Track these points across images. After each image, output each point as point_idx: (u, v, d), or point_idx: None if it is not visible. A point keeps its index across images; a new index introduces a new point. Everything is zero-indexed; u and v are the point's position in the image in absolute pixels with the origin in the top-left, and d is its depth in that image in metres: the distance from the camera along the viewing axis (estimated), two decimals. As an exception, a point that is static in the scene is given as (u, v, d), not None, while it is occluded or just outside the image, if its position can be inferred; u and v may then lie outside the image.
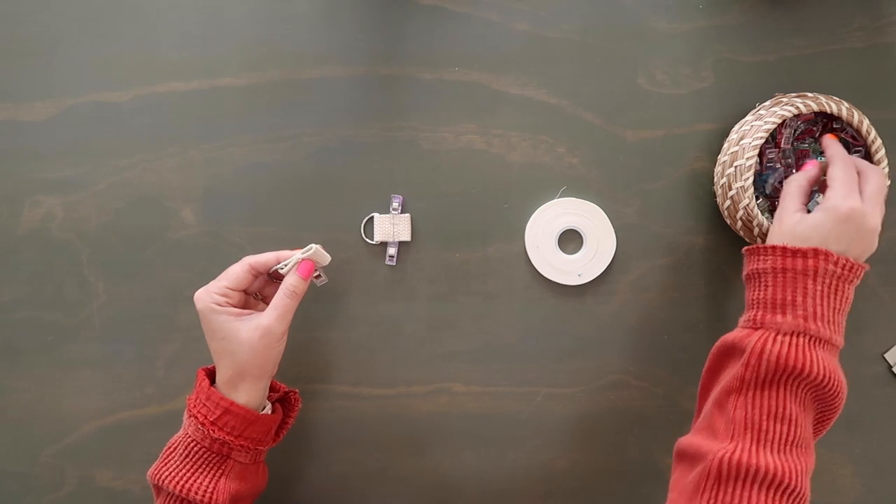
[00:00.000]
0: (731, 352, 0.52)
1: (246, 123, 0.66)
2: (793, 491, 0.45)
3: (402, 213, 0.65)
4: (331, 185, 0.66)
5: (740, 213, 0.59)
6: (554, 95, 0.66)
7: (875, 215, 0.51)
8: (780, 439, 0.47)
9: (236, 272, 0.56)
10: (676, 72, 0.66)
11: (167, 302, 0.66)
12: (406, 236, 0.65)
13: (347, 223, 0.66)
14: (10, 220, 0.67)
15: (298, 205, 0.66)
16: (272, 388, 0.60)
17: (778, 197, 0.63)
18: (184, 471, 0.54)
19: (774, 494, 0.45)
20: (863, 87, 0.65)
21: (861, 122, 0.58)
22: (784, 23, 0.65)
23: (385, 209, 0.66)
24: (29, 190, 0.67)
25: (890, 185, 0.59)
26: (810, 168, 0.56)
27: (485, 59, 0.66)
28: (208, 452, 0.54)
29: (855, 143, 0.61)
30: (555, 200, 0.66)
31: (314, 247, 0.57)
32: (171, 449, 0.56)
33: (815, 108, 0.58)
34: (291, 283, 0.56)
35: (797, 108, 0.58)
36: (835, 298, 0.50)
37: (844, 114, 0.58)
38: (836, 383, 0.48)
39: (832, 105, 0.58)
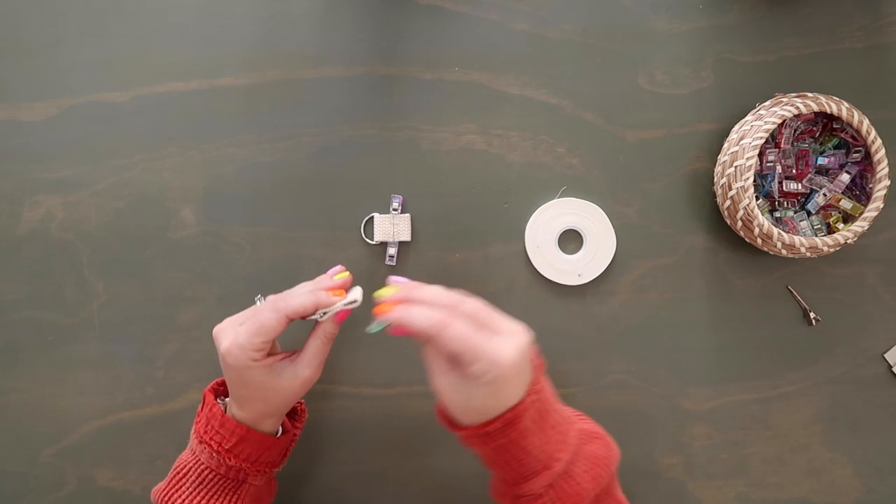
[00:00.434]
0: None
1: (246, 123, 0.66)
2: None
3: (402, 213, 0.65)
4: (331, 185, 0.66)
5: (740, 213, 0.59)
6: (554, 95, 0.66)
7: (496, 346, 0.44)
8: None
9: (272, 326, 0.49)
10: (676, 72, 0.66)
11: (167, 302, 0.66)
12: (406, 236, 0.65)
13: (347, 223, 0.66)
14: (10, 220, 0.67)
15: (298, 205, 0.66)
16: None
17: (778, 197, 0.63)
18: (198, 498, 0.52)
19: None
20: (863, 87, 0.65)
21: (861, 122, 0.58)
22: (784, 23, 0.65)
23: (385, 209, 0.66)
24: (29, 190, 0.67)
25: (890, 185, 0.59)
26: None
27: (485, 59, 0.66)
28: (224, 479, 0.53)
29: (855, 143, 0.62)
30: (555, 200, 0.66)
31: (358, 298, 0.52)
32: (181, 473, 0.54)
33: (815, 108, 0.58)
34: (330, 331, 0.53)
35: (797, 108, 0.58)
36: (542, 424, 0.46)
37: (844, 114, 0.58)
38: (613, 455, 0.50)
39: (832, 105, 0.58)
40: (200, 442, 0.53)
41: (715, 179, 0.63)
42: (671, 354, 0.66)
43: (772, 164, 0.62)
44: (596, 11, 0.66)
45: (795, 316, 0.66)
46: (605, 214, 0.65)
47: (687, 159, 0.66)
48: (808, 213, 0.63)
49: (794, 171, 0.63)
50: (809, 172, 0.63)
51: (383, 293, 0.48)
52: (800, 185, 0.63)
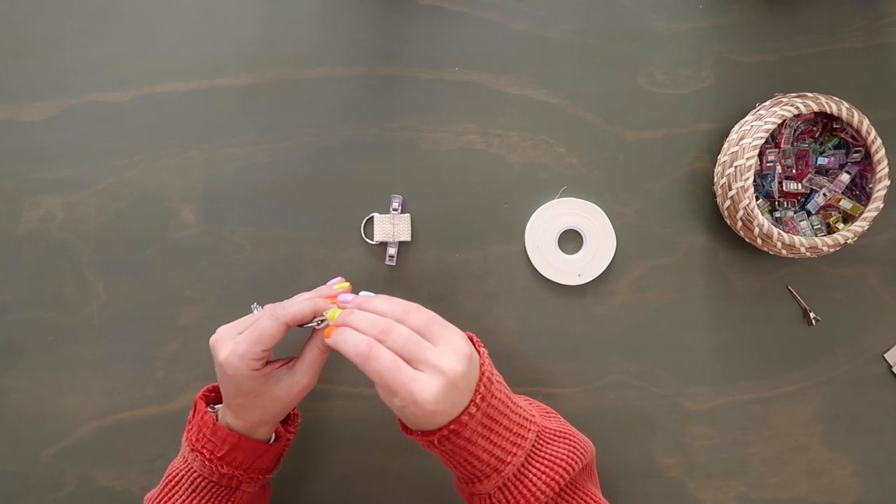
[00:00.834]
0: None
1: (246, 123, 0.66)
2: None
3: (402, 213, 0.65)
4: (331, 185, 0.66)
5: (740, 213, 0.59)
6: (554, 95, 0.66)
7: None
8: None
9: (272, 334, 0.49)
10: (676, 72, 0.66)
11: (167, 302, 0.66)
12: (406, 236, 0.65)
13: (347, 223, 0.66)
14: (10, 220, 0.67)
15: (298, 205, 0.66)
16: None
17: (778, 197, 0.63)
18: None
19: None
20: (863, 87, 0.65)
21: (861, 122, 0.58)
22: (784, 23, 0.65)
23: (385, 209, 0.66)
24: (29, 190, 0.67)
25: (890, 185, 0.59)
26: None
27: (485, 59, 0.66)
28: (217, 487, 0.52)
29: (855, 143, 0.62)
30: (555, 200, 0.66)
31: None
32: (174, 481, 0.53)
33: (815, 108, 0.58)
34: (324, 341, 0.51)
35: (797, 108, 0.58)
36: (491, 428, 0.47)
37: (844, 114, 0.58)
38: (578, 454, 0.50)
39: (832, 105, 0.58)
40: (192, 450, 0.52)
41: (715, 179, 0.63)
42: (671, 354, 0.66)
43: (772, 164, 0.62)
44: (596, 11, 0.66)
45: (795, 316, 0.66)
46: (605, 214, 0.65)
47: (687, 159, 0.66)
48: (808, 213, 0.63)
49: (794, 171, 0.63)
50: (809, 172, 0.63)
51: (331, 315, 0.50)
52: (800, 185, 0.63)
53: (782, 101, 0.60)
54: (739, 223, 0.60)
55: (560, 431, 0.52)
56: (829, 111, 0.58)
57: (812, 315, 0.65)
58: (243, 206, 0.66)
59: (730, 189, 0.60)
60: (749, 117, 0.61)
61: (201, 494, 0.52)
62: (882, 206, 0.59)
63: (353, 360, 0.45)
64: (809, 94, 0.60)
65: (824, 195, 0.62)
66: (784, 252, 0.60)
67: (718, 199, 0.63)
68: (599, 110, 0.66)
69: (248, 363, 0.49)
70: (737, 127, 0.62)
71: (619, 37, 0.66)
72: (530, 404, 0.55)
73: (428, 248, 0.66)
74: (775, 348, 0.66)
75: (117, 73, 0.66)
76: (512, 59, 0.66)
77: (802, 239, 0.58)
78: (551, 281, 0.65)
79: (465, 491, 0.51)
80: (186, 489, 0.52)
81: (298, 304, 0.50)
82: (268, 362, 0.52)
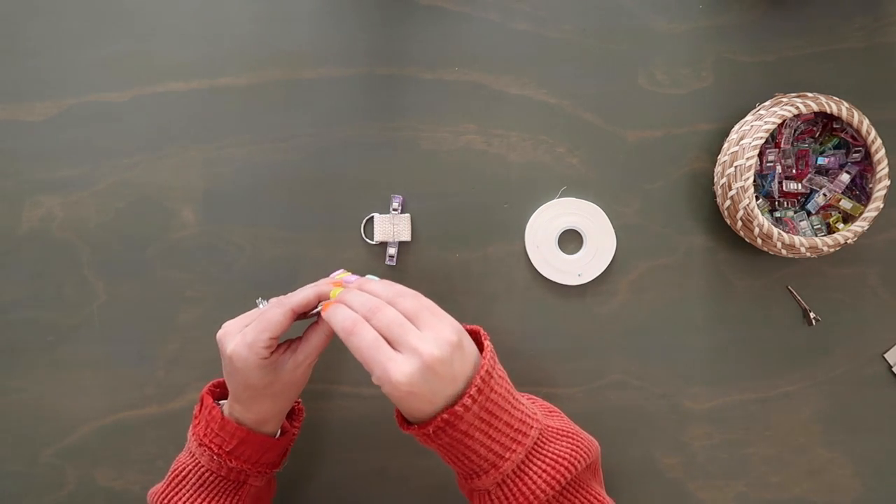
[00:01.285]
0: None
1: (246, 123, 0.66)
2: None
3: (402, 213, 0.65)
4: (331, 185, 0.66)
5: (740, 213, 0.59)
6: (554, 95, 0.66)
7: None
8: None
9: (279, 321, 0.50)
10: (676, 72, 0.66)
11: (167, 302, 0.66)
12: (406, 236, 0.65)
13: (347, 223, 0.66)
14: (10, 220, 0.67)
15: (298, 205, 0.66)
16: None
17: (778, 197, 0.63)
18: (199, 500, 0.52)
19: None
20: (863, 87, 0.65)
21: (861, 122, 0.58)
22: (784, 23, 0.65)
23: (385, 209, 0.66)
24: (29, 190, 0.67)
25: (890, 185, 0.59)
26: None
27: (485, 59, 0.66)
28: (224, 481, 0.53)
29: (855, 143, 0.62)
30: (555, 200, 0.66)
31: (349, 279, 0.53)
32: (181, 476, 0.54)
33: (815, 108, 0.58)
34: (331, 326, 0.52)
35: (797, 108, 0.58)
36: (490, 423, 0.47)
37: (844, 114, 0.58)
38: (582, 453, 0.50)
39: (832, 105, 0.58)
40: (200, 444, 0.52)
41: (715, 179, 0.63)
42: (671, 354, 0.66)
43: (772, 164, 0.62)
44: (596, 11, 0.66)
45: (795, 316, 0.66)
46: (605, 214, 0.65)
47: (686, 159, 0.66)
48: (808, 213, 0.63)
49: (794, 171, 0.63)
50: (809, 172, 0.63)
51: (332, 294, 0.51)
52: (800, 185, 0.63)
53: (782, 101, 0.60)
54: (739, 223, 0.60)
55: (563, 430, 0.52)
56: (829, 111, 0.58)
57: (812, 315, 0.65)
58: (243, 206, 0.66)
59: (730, 189, 0.60)
60: (749, 117, 0.61)
61: (209, 489, 0.52)
62: (882, 206, 0.59)
63: (339, 334, 0.46)
64: (809, 94, 0.60)
65: (824, 195, 0.62)
66: (784, 252, 0.60)
67: (718, 199, 0.63)
68: (599, 110, 0.66)
69: (257, 352, 0.49)
70: (737, 127, 0.62)
71: (619, 37, 0.66)
72: (534, 403, 0.55)
73: (428, 248, 0.66)
74: (775, 348, 0.66)
75: (117, 73, 0.66)
76: (512, 59, 0.66)
77: (802, 239, 0.58)
78: (551, 281, 0.65)
79: (466, 487, 0.51)
80: (194, 483, 0.53)
81: (304, 291, 0.51)
82: (280, 357, 0.52)
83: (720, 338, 0.66)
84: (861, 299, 0.66)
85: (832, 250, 0.59)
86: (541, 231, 0.65)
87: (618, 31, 0.66)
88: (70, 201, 0.66)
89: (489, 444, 0.47)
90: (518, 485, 0.47)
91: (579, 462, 0.49)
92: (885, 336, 0.66)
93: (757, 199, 0.62)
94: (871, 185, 0.60)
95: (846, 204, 0.61)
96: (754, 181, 0.59)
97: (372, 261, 0.66)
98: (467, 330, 0.49)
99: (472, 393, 0.45)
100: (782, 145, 0.62)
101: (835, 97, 0.59)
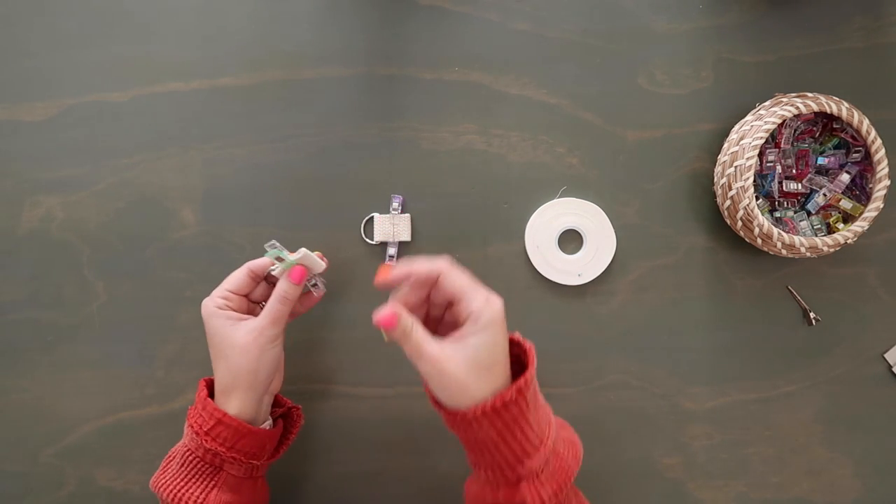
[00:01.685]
0: None
1: (246, 123, 0.66)
2: None
3: (402, 213, 0.65)
4: (331, 185, 0.66)
5: (740, 213, 0.59)
6: (554, 95, 0.66)
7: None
8: None
9: (236, 275, 0.57)
10: (676, 72, 0.66)
11: (167, 302, 0.66)
12: (406, 236, 0.65)
13: (347, 223, 0.66)
14: (10, 220, 0.67)
15: (298, 205, 0.66)
16: (277, 404, 0.60)
17: (778, 197, 0.63)
18: (178, 480, 0.53)
19: None
20: (863, 87, 0.65)
21: (861, 122, 0.58)
22: (784, 23, 0.65)
23: (385, 209, 0.66)
24: (29, 190, 0.67)
25: (890, 185, 0.59)
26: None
27: (485, 59, 0.66)
28: (202, 463, 0.54)
29: (855, 143, 0.62)
30: (555, 200, 0.66)
31: (303, 251, 0.55)
32: (171, 458, 0.56)
33: (815, 108, 0.58)
34: (283, 288, 0.55)
35: (797, 108, 0.58)
36: (535, 402, 0.47)
37: (844, 114, 0.58)
38: (579, 455, 0.51)
39: (832, 105, 0.58)
40: (188, 425, 0.55)
41: (715, 179, 0.63)
42: (671, 354, 0.66)
43: (772, 164, 0.62)
44: (596, 11, 0.66)
45: (795, 316, 0.66)
46: (605, 214, 0.65)
47: (687, 159, 0.66)
48: (808, 213, 0.63)
49: (794, 171, 0.63)
50: (809, 172, 0.63)
51: (291, 261, 0.55)
52: (800, 185, 0.63)
53: (782, 101, 0.60)
54: (739, 223, 0.60)
55: (560, 420, 0.54)
56: (829, 111, 0.58)
57: (812, 315, 0.65)
58: (243, 206, 0.66)
59: (730, 189, 0.60)
60: (749, 117, 0.61)
61: (188, 468, 0.54)
62: (882, 206, 0.59)
63: (429, 273, 0.48)
64: (809, 94, 0.60)
65: (824, 195, 0.62)
66: (784, 252, 0.60)
67: (718, 199, 0.63)
68: (599, 110, 0.66)
69: (214, 301, 0.55)
70: (737, 127, 0.62)
71: (619, 37, 0.66)
72: None
73: (428, 248, 0.66)
74: (775, 348, 0.66)
75: (117, 73, 0.66)
76: (512, 59, 0.66)
77: (802, 239, 0.58)
78: (551, 281, 0.65)
79: (502, 483, 0.48)
80: (178, 463, 0.54)
81: (264, 257, 0.57)
82: (244, 314, 0.56)
83: (720, 338, 0.66)
84: (861, 299, 0.66)
85: (832, 250, 0.59)
86: (541, 231, 0.65)
87: (618, 31, 0.66)
88: (70, 201, 0.66)
89: (538, 420, 0.47)
90: (557, 463, 0.48)
91: (581, 449, 0.52)
92: (885, 336, 0.66)
93: (757, 199, 0.62)
94: (871, 185, 0.60)
95: (846, 204, 0.61)
96: (754, 181, 0.59)
97: (372, 261, 0.66)
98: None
99: (532, 371, 0.47)
100: (782, 145, 0.62)
101: (835, 97, 0.59)
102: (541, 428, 0.47)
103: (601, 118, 0.66)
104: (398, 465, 0.66)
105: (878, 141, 0.58)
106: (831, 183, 0.62)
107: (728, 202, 0.61)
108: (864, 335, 0.66)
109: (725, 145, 0.62)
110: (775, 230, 0.58)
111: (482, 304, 0.46)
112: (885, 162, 0.58)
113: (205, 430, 0.53)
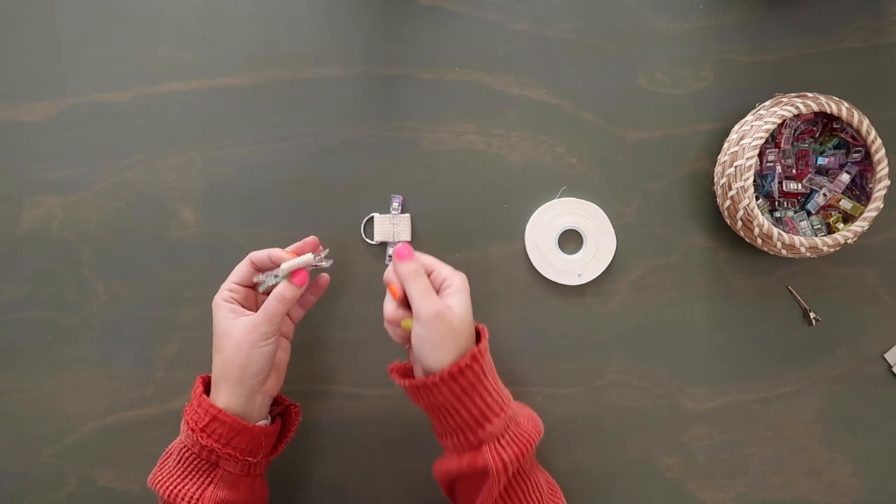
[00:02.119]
0: (472, 477, 0.53)
1: (246, 123, 0.66)
2: None
3: (402, 213, 0.65)
4: (331, 185, 0.66)
5: (740, 213, 0.59)
6: (554, 95, 0.66)
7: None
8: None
9: (239, 267, 0.58)
10: (676, 72, 0.66)
11: (167, 302, 0.66)
12: (406, 236, 0.65)
13: (347, 223, 0.66)
14: (10, 220, 0.67)
15: (298, 205, 0.66)
16: (275, 402, 0.60)
17: (778, 197, 0.63)
18: (174, 476, 0.53)
19: None
20: (863, 87, 0.65)
21: (861, 122, 0.58)
22: (784, 23, 0.65)
23: (385, 209, 0.66)
24: (29, 190, 0.67)
25: (890, 185, 0.59)
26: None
27: (485, 59, 0.66)
28: (198, 459, 0.54)
29: (855, 143, 0.62)
30: (555, 200, 0.66)
31: (284, 265, 0.55)
32: (168, 455, 0.56)
33: (815, 108, 0.58)
34: (281, 289, 0.55)
35: (797, 108, 0.58)
36: (491, 372, 0.54)
37: (844, 114, 0.58)
38: (539, 429, 0.55)
39: (832, 105, 0.58)
40: (184, 422, 0.55)
41: (715, 179, 0.63)
42: (671, 354, 0.66)
43: (772, 164, 0.62)
44: (596, 12, 0.66)
45: (795, 316, 0.66)
46: (605, 214, 0.65)
47: (687, 159, 0.66)
48: (808, 213, 0.63)
49: (794, 171, 0.63)
50: (809, 172, 0.63)
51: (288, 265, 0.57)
52: (800, 185, 0.63)
53: (782, 101, 0.60)
54: (739, 223, 0.60)
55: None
56: (829, 111, 0.58)
57: (812, 315, 0.65)
58: (243, 206, 0.66)
59: (730, 189, 0.60)
60: (749, 117, 0.61)
61: (184, 465, 0.54)
62: (882, 206, 0.59)
63: (399, 268, 0.53)
64: (809, 94, 0.60)
65: (824, 195, 0.62)
66: (784, 252, 0.60)
67: (718, 199, 0.63)
68: (599, 110, 0.66)
69: (221, 293, 0.56)
70: (737, 127, 0.62)
71: (619, 37, 0.66)
72: None
73: (428, 248, 0.66)
74: (775, 348, 0.66)
75: (117, 73, 0.66)
76: (512, 59, 0.66)
77: (802, 239, 0.58)
78: (551, 281, 0.65)
79: (467, 447, 0.52)
80: (175, 459, 0.55)
81: (266, 251, 0.58)
82: (244, 315, 0.57)
83: (720, 338, 0.66)
84: (861, 299, 0.66)
85: (832, 250, 0.59)
86: (541, 231, 0.65)
87: (618, 31, 0.66)
88: (70, 201, 0.66)
89: (497, 388, 0.53)
90: (517, 430, 0.53)
91: (541, 425, 0.56)
92: (885, 336, 0.66)
93: (757, 199, 0.62)
94: (871, 185, 0.60)
95: (846, 204, 0.61)
96: (754, 181, 0.59)
97: (372, 261, 0.66)
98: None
99: (484, 343, 0.53)
100: (782, 145, 0.62)
101: (835, 97, 0.59)
102: (500, 396, 0.53)
103: (601, 118, 0.66)
104: (398, 466, 0.66)
105: (878, 141, 0.58)
106: (831, 183, 0.62)
107: (728, 202, 0.61)
108: (864, 335, 0.66)
109: (725, 145, 0.62)
110: (775, 230, 0.58)
111: (451, 272, 0.54)
112: (885, 162, 0.58)
113: (200, 426, 0.53)
